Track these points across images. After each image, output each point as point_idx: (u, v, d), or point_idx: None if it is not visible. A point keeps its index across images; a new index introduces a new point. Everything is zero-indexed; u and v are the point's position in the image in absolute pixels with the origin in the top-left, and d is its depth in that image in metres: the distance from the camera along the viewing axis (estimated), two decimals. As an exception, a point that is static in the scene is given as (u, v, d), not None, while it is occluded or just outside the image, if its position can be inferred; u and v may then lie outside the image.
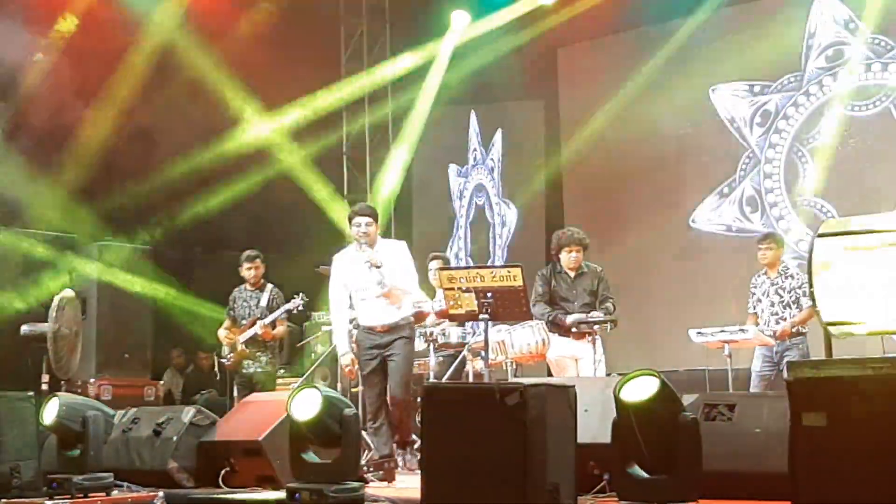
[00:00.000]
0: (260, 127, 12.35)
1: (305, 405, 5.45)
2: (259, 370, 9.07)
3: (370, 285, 7.17)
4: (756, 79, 11.05)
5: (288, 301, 9.11)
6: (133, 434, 7.09)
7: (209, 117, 11.51)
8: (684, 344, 8.40)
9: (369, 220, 7.23)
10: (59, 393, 6.85)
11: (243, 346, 9.02)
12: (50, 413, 6.39)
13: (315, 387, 5.55)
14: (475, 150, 13.58)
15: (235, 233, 11.75)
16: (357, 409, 6.88)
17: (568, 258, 8.05)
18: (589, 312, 8.07)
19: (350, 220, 7.34)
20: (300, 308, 9.24)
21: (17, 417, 6.26)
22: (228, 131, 11.98)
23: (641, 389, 4.65)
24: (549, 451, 4.46)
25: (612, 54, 11.99)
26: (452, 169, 13.80)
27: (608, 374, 7.94)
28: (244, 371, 9.08)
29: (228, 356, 9.12)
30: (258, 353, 9.08)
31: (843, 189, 10.40)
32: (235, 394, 9.15)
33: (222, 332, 9.21)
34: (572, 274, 8.13)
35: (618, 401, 4.67)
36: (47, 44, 10.08)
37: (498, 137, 13.27)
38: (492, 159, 13.33)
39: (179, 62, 11.28)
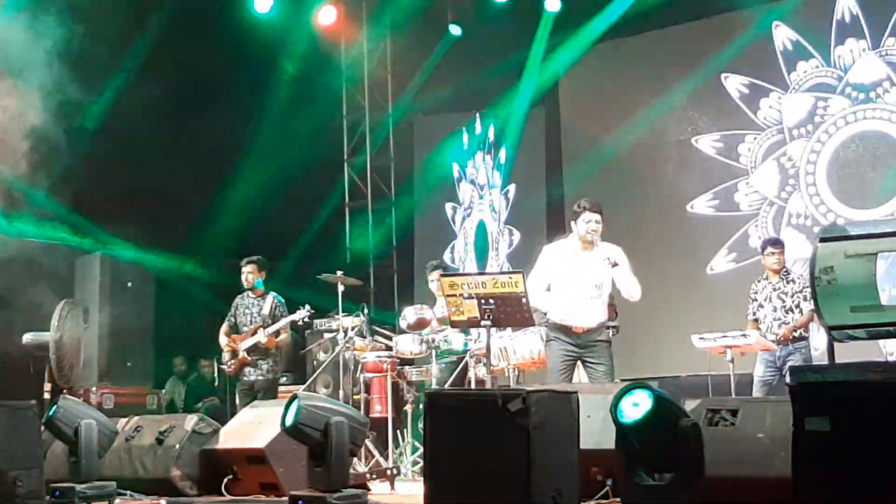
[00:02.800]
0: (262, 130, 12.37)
1: (290, 415, 5.51)
2: (260, 377, 9.09)
3: (587, 285, 7.04)
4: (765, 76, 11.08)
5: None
6: (136, 442, 7.09)
7: (212, 125, 11.53)
8: (686, 349, 8.39)
9: (600, 217, 7.15)
10: (66, 396, 6.86)
11: (244, 353, 9.03)
12: (49, 413, 6.42)
13: (296, 397, 5.56)
14: (476, 155, 13.58)
15: (237, 240, 11.76)
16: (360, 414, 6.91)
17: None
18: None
19: (579, 214, 7.19)
20: (306, 319, 9.27)
21: (19, 427, 6.24)
22: (231, 140, 12.00)
23: (636, 407, 4.65)
24: (551, 457, 4.46)
25: (614, 58, 11.99)
26: (449, 203, 13.85)
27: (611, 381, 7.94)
28: (245, 378, 9.10)
29: (229, 363, 9.13)
30: (259, 361, 9.09)
31: (845, 193, 10.40)
32: (237, 401, 9.17)
33: (223, 339, 9.23)
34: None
35: (615, 421, 4.68)
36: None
37: (498, 141, 13.28)
38: (495, 177, 13.34)
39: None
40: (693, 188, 11.37)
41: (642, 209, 11.65)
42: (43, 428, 6.45)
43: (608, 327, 7.65)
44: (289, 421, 5.48)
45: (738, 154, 11.11)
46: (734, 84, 11.13)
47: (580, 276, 7.05)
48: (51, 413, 6.43)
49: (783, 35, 10.84)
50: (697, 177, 11.39)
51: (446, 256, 13.50)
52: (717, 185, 11.20)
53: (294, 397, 5.60)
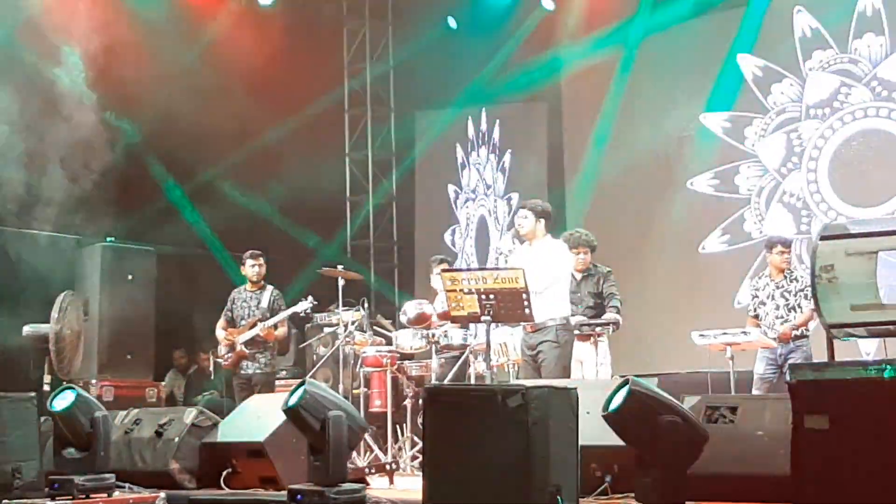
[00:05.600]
0: (263, 129, 12.35)
1: (292, 396, 5.51)
2: (258, 371, 9.09)
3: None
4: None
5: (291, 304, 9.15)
6: (135, 435, 7.08)
7: (214, 120, 11.51)
8: (686, 346, 8.39)
9: (526, 212, 7.35)
10: (74, 385, 6.82)
11: (242, 347, 9.03)
12: (64, 401, 6.33)
13: (305, 383, 5.56)
14: (477, 151, 13.58)
15: (239, 234, 11.75)
16: (360, 410, 6.93)
17: (575, 260, 8.06)
18: (592, 316, 8.10)
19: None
20: (308, 311, 9.26)
21: (18, 418, 6.24)
22: (233, 133, 11.97)
23: (612, 403, 4.74)
24: (551, 453, 4.46)
25: (616, 56, 11.98)
26: (451, 190, 13.83)
27: (613, 376, 7.94)
28: (243, 372, 9.09)
29: (226, 356, 9.12)
30: (257, 354, 9.09)
31: (843, 187, 10.39)
32: (235, 395, 9.16)
33: (220, 332, 9.22)
34: (579, 276, 8.14)
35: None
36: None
37: (500, 138, 13.28)
38: (497, 177, 13.33)
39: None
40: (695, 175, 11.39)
41: (643, 207, 11.66)
42: (56, 419, 6.41)
43: (594, 325, 7.73)
44: (291, 401, 5.47)
45: (744, 137, 11.08)
46: (749, 67, 11.10)
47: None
48: (72, 404, 6.33)
49: (803, 22, 10.80)
50: (698, 164, 11.38)
51: (447, 238, 13.54)
52: (719, 166, 11.18)
53: (303, 381, 5.60)
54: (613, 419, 4.76)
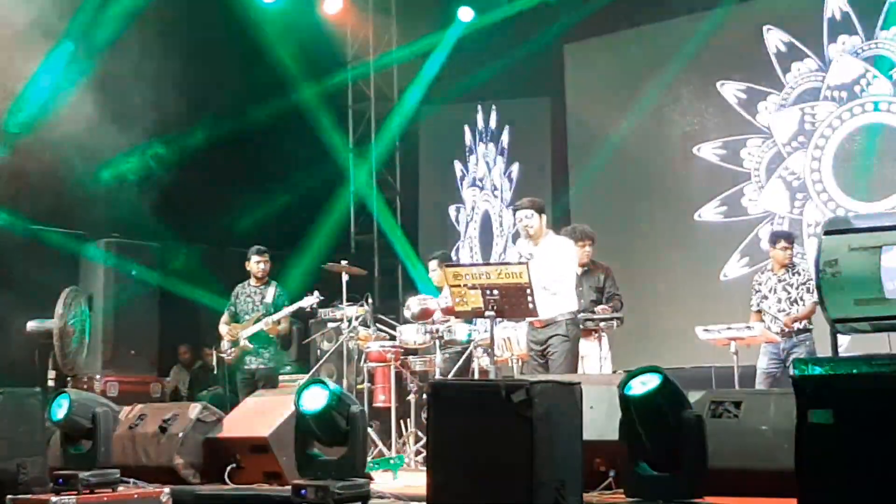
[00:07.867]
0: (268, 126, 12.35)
1: (313, 400, 5.47)
2: (262, 366, 9.10)
3: (535, 278, 6.87)
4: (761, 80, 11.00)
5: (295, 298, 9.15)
6: (139, 430, 7.10)
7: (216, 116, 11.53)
8: (690, 341, 8.39)
9: (529, 212, 7.39)
10: (67, 389, 6.84)
11: (246, 342, 9.03)
12: (60, 409, 6.36)
13: (323, 382, 5.57)
14: (480, 146, 13.56)
15: (242, 230, 11.76)
16: (363, 405, 6.94)
17: (581, 253, 8.06)
18: (595, 310, 8.11)
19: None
20: (314, 306, 9.27)
21: (23, 414, 6.25)
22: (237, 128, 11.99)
23: (644, 384, 4.68)
24: (555, 448, 4.46)
25: (620, 50, 11.96)
26: (458, 167, 13.80)
27: (614, 372, 7.95)
28: (247, 367, 9.10)
29: (229, 351, 9.13)
30: (261, 349, 9.10)
31: (846, 181, 10.37)
32: (238, 390, 9.17)
33: (223, 328, 9.23)
34: (580, 270, 8.13)
35: (621, 396, 4.70)
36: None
37: (504, 134, 13.26)
38: (498, 163, 13.32)
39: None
40: (699, 187, 11.33)
41: (647, 203, 11.65)
42: (55, 426, 6.42)
43: (598, 320, 7.75)
44: (319, 405, 5.43)
45: (739, 160, 11.05)
46: (731, 91, 11.09)
47: (533, 270, 7.06)
48: (68, 411, 6.32)
49: (775, 38, 10.79)
50: (703, 173, 11.35)
51: (451, 214, 13.53)
52: (724, 193, 11.13)
53: (315, 381, 5.59)
54: (641, 405, 4.70)
